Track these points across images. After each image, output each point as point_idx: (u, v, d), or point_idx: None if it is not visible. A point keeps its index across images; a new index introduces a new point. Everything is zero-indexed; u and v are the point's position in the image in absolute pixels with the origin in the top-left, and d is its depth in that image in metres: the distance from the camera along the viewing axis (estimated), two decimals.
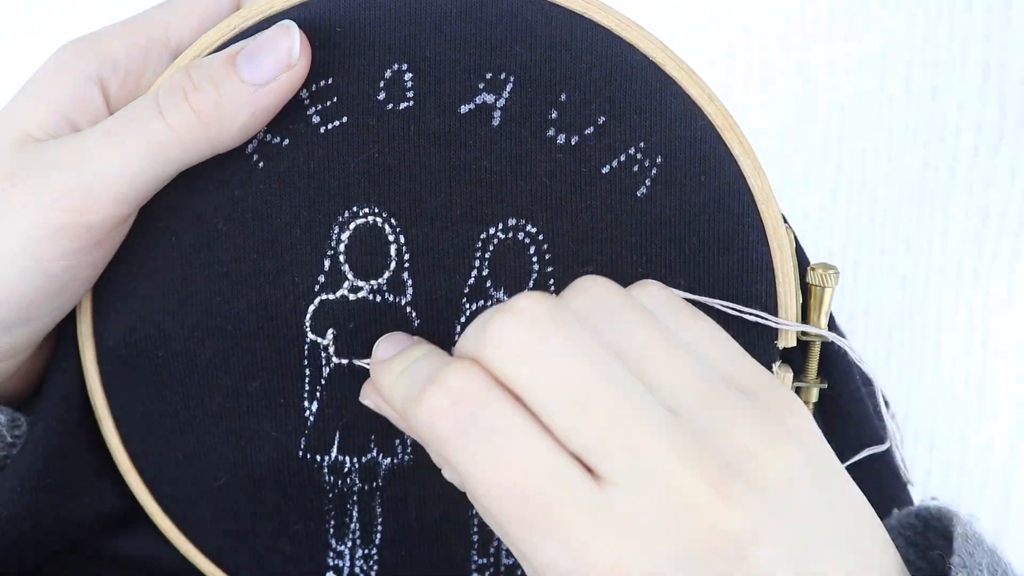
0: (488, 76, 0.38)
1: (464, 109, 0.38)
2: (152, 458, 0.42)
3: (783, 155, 0.59)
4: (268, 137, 0.39)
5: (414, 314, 0.40)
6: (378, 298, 0.40)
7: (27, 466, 0.40)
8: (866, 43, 0.56)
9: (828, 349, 0.41)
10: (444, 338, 0.40)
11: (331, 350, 0.40)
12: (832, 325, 0.44)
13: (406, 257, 0.40)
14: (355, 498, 0.42)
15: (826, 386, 0.41)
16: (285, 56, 0.38)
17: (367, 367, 0.40)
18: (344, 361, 0.40)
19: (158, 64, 0.41)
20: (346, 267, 0.40)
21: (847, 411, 0.42)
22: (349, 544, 0.42)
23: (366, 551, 0.43)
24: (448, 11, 0.38)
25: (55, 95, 0.39)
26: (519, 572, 0.43)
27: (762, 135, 0.59)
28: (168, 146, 0.38)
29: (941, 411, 0.57)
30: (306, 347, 0.40)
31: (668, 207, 0.39)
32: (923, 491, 0.58)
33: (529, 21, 0.38)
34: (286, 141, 0.39)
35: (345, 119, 0.39)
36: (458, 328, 0.40)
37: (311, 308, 0.40)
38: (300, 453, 0.41)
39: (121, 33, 0.41)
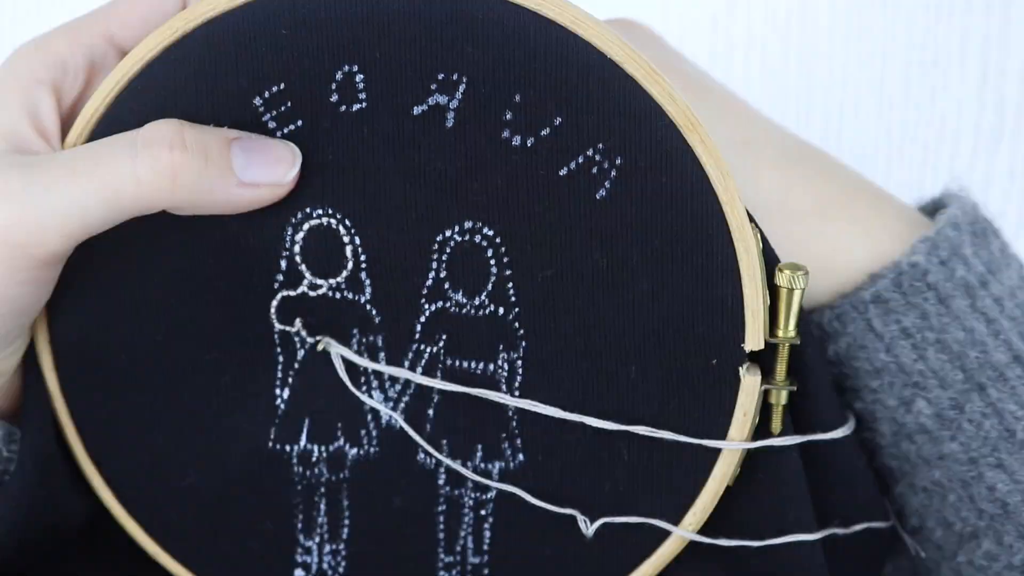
0: (440, 77, 0.37)
1: (417, 110, 0.38)
2: (117, 462, 0.42)
3: None
4: None
5: (374, 311, 0.40)
6: (338, 295, 0.40)
7: (18, 484, 0.40)
8: (866, 43, 0.57)
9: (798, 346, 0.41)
10: (405, 334, 0.40)
11: (304, 334, 0.40)
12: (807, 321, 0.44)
13: (362, 258, 0.39)
14: (322, 490, 0.42)
15: (795, 388, 0.40)
16: (279, 175, 0.38)
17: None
18: (318, 341, 0.40)
19: (104, 63, 0.40)
20: (303, 267, 0.39)
21: (819, 412, 0.42)
22: (317, 540, 0.42)
23: (334, 546, 0.43)
24: (396, 11, 0.37)
25: (10, 104, 0.39)
26: (485, 571, 0.42)
27: None
28: (129, 198, 0.36)
29: None
30: (276, 335, 0.40)
31: (629, 209, 0.38)
32: None
33: (480, 20, 0.37)
34: None
35: (300, 123, 0.38)
36: (418, 327, 0.40)
37: (274, 303, 0.40)
38: (270, 444, 0.41)
39: (66, 34, 0.40)
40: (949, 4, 0.55)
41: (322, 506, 0.42)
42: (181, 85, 0.38)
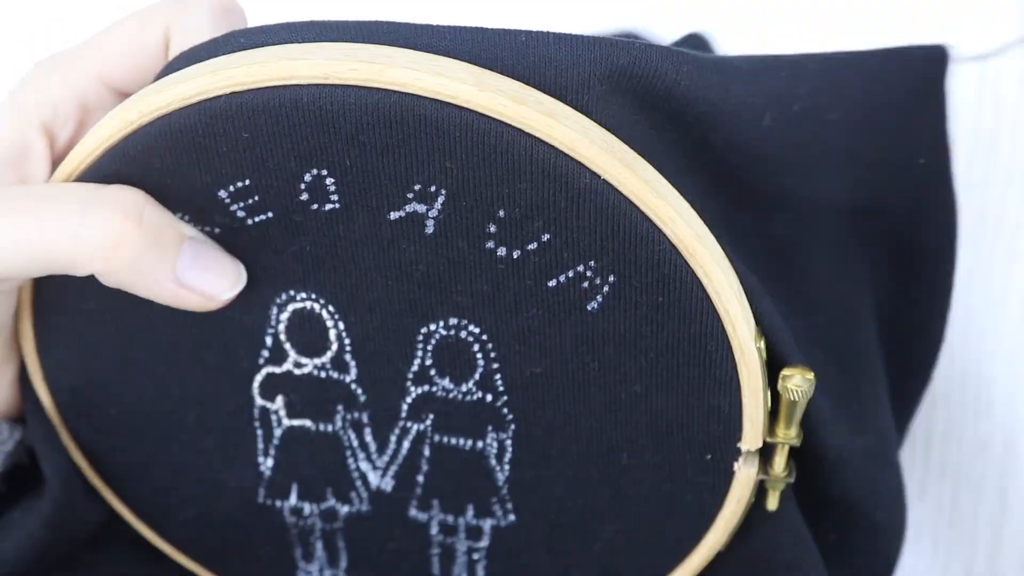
0: (416, 188, 0.35)
1: (394, 216, 0.35)
2: (125, 484, 0.43)
3: None
4: (198, 227, 0.37)
5: (359, 390, 0.39)
6: (323, 374, 0.39)
7: (49, 505, 0.41)
8: (866, 44, 0.56)
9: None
10: (392, 412, 0.39)
11: (282, 413, 0.40)
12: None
13: (346, 342, 0.38)
14: (318, 534, 0.42)
15: (792, 480, 0.38)
16: (216, 290, 0.36)
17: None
18: (296, 423, 0.39)
19: (98, 102, 0.39)
20: (287, 344, 0.38)
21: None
22: (317, 566, 0.43)
23: (334, 571, 0.43)
24: (362, 121, 0.34)
25: (4, 145, 0.38)
26: None
27: None
28: (60, 252, 0.35)
29: (938, 410, 0.57)
30: (255, 410, 0.40)
31: (622, 324, 0.36)
32: (920, 489, 0.58)
33: (457, 136, 0.34)
34: (216, 230, 0.37)
35: (271, 214, 0.36)
36: (404, 406, 0.39)
37: (258, 378, 0.39)
38: (260, 500, 0.41)
39: (59, 74, 0.39)
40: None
41: (318, 544, 0.42)
42: (142, 173, 0.36)
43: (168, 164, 0.36)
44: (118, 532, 0.43)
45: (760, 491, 0.39)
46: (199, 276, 0.36)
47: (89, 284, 0.37)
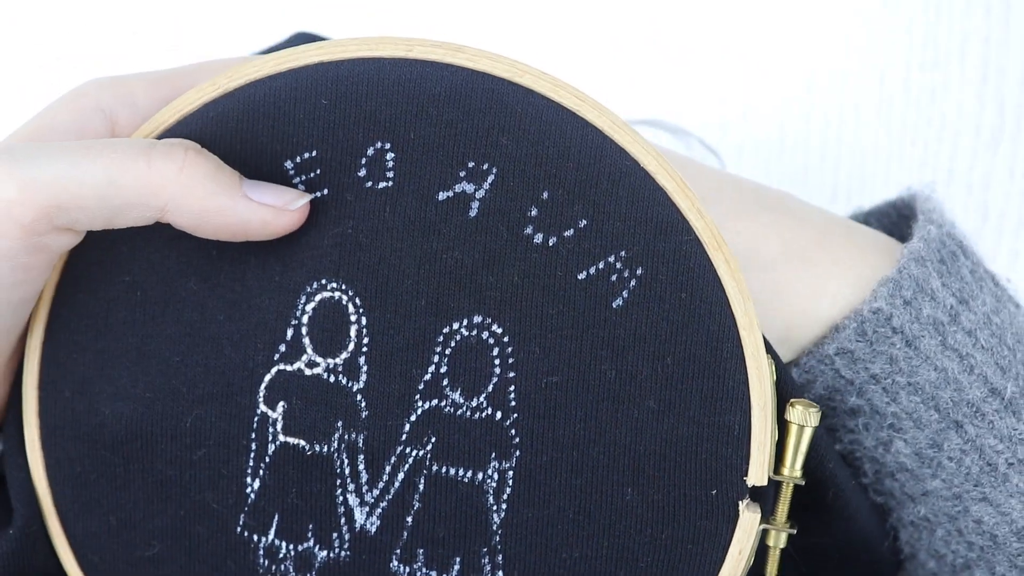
0: (470, 165, 0.37)
1: (442, 196, 0.37)
2: (83, 521, 0.41)
3: (783, 155, 0.59)
4: None
5: (364, 403, 0.39)
6: (332, 378, 0.39)
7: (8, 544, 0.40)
8: (866, 44, 0.57)
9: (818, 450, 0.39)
10: (392, 435, 0.38)
11: (279, 426, 0.39)
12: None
13: (365, 340, 0.38)
14: None
15: (794, 531, 0.38)
16: (286, 200, 0.37)
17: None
18: (291, 441, 0.39)
19: None
20: (307, 339, 0.39)
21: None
22: None
23: None
24: (436, 94, 0.37)
25: (59, 120, 0.39)
26: None
27: (763, 136, 0.59)
28: (133, 179, 0.36)
29: None
30: (255, 419, 0.39)
31: (644, 323, 0.37)
32: None
33: (518, 113, 0.37)
34: None
35: (326, 191, 0.38)
36: (406, 426, 0.38)
37: (267, 377, 0.39)
38: (238, 530, 0.40)
39: (146, 80, 0.40)
40: (949, 4, 0.56)
41: None
42: (215, 140, 0.38)
43: (243, 129, 0.38)
44: None
45: (760, 554, 0.39)
46: (266, 190, 0.37)
47: (131, 254, 0.39)
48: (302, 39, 0.45)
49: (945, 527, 0.40)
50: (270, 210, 0.37)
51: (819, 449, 0.39)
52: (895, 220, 0.44)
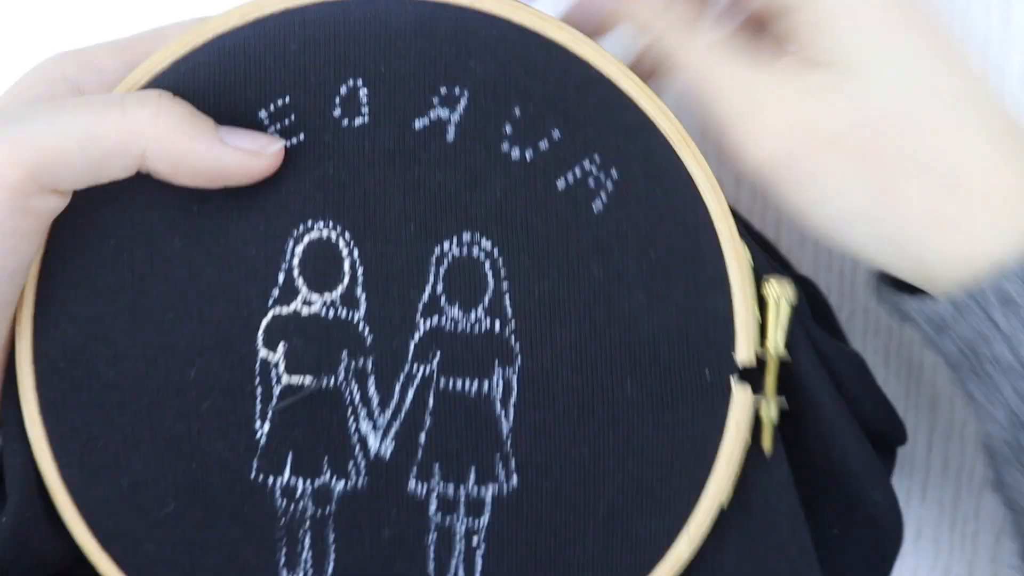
0: (442, 91, 0.39)
1: (419, 124, 0.39)
2: (93, 489, 0.41)
3: None
4: None
5: (367, 330, 0.40)
6: (331, 313, 0.40)
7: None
8: None
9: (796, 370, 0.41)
10: (398, 355, 0.40)
11: (281, 367, 0.40)
12: (824, 328, 0.43)
13: (359, 271, 0.40)
14: (307, 525, 0.41)
15: (786, 406, 0.40)
16: (262, 144, 0.38)
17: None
18: (295, 380, 0.40)
19: None
20: (300, 280, 0.40)
21: (818, 434, 0.42)
22: (301, 574, 0.41)
23: None
24: (402, 27, 0.39)
25: (27, 94, 0.40)
26: None
27: None
28: (111, 126, 0.37)
29: (940, 410, 0.57)
30: (257, 365, 0.40)
31: (625, 221, 0.39)
32: (922, 488, 0.58)
33: (483, 37, 0.39)
34: None
35: (303, 136, 0.39)
36: (411, 345, 0.40)
37: (264, 322, 0.40)
38: (252, 475, 0.40)
39: (109, 47, 0.41)
40: (949, 4, 0.55)
41: (306, 541, 0.41)
42: (189, 93, 0.39)
43: (216, 81, 0.39)
44: None
45: (755, 432, 0.40)
46: (241, 135, 0.38)
47: (114, 217, 0.39)
48: None
49: None
50: (246, 154, 0.38)
51: (797, 347, 0.41)
52: None
